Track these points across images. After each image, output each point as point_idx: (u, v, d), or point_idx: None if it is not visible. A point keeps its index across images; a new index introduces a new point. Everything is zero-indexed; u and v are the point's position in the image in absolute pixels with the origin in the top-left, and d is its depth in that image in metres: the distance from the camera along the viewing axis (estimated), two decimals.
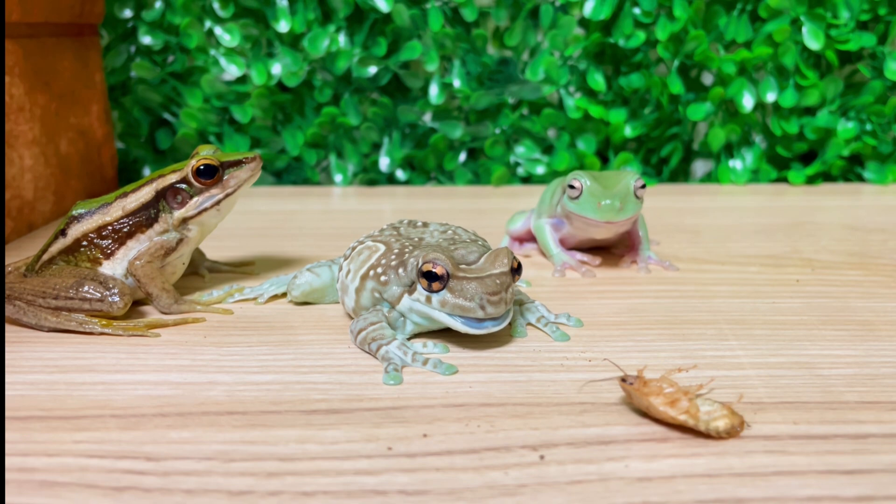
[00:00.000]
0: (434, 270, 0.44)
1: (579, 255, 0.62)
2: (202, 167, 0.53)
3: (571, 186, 0.58)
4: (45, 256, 0.53)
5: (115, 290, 0.50)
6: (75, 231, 0.53)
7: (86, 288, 0.50)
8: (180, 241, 0.54)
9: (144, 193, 0.53)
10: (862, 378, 0.42)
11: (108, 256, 0.53)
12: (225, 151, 0.56)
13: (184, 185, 0.53)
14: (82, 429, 0.38)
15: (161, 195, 0.53)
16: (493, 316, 0.44)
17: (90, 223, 0.53)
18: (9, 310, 0.50)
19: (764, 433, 0.36)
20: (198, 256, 0.61)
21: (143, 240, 0.53)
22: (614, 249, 0.65)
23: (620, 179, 0.58)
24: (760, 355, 0.45)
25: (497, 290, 0.44)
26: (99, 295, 0.50)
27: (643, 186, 0.58)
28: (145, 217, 0.53)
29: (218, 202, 0.54)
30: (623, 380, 0.38)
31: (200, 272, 0.61)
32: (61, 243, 0.53)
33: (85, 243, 0.52)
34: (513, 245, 0.67)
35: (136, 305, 0.54)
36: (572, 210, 0.58)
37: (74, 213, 0.53)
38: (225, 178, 0.54)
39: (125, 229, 0.53)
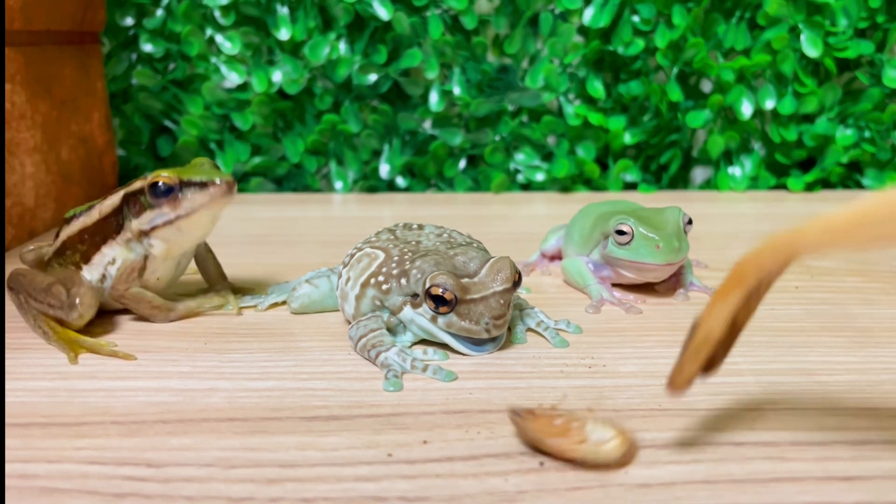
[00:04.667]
0: (443, 296, 0.44)
1: (619, 294, 0.56)
2: (157, 183, 0.49)
3: (621, 232, 0.54)
4: (48, 258, 0.53)
5: (77, 301, 0.49)
6: (64, 235, 0.53)
7: (53, 291, 0.50)
8: (146, 257, 0.51)
9: (116, 198, 0.51)
10: (861, 385, 0.42)
11: (86, 261, 0.52)
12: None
13: (143, 196, 0.50)
14: (83, 435, 0.38)
15: (126, 202, 0.51)
16: (495, 336, 0.45)
17: (75, 227, 0.52)
18: (14, 300, 0.51)
19: (763, 440, 0.37)
20: (214, 272, 0.58)
21: (115, 246, 0.51)
22: (656, 286, 0.58)
23: (666, 217, 0.55)
24: (759, 362, 0.45)
25: (502, 312, 0.45)
26: (59, 302, 0.49)
27: (690, 222, 0.55)
28: (115, 222, 0.51)
29: (170, 222, 0.50)
30: (515, 413, 0.36)
31: (217, 289, 0.57)
32: (54, 246, 0.53)
33: (70, 247, 0.52)
34: (542, 261, 0.65)
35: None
36: (623, 257, 0.54)
37: (67, 216, 0.53)
38: (180, 197, 0.49)
39: (99, 234, 0.52)
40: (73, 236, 0.52)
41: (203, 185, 0.49)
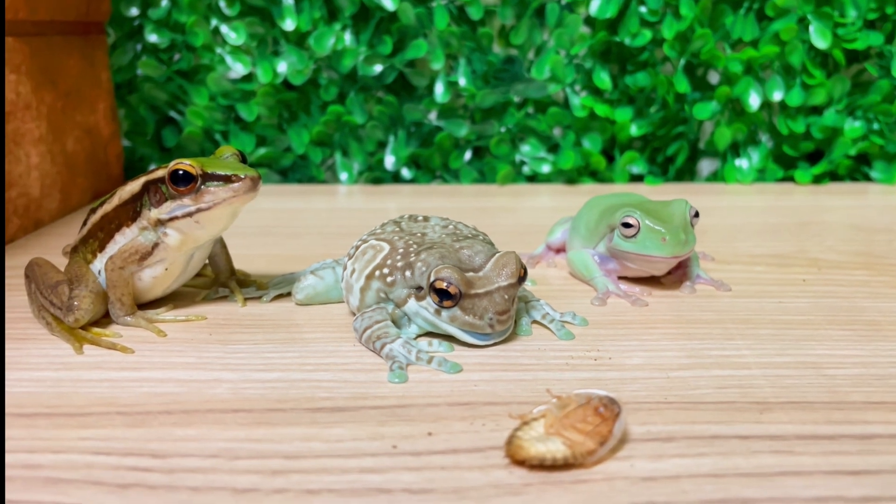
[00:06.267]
0: (447, 289, 0.44)
1: (625, 287, 0.56)
2: (178, 171, 0.47)
3: (627, 225, 0.53)
4: (74, 243, 0.53)
5: (75, 304, 0.48)
6: (90, 223, 0.52)
7: (58, 290, 0.50)
8: (156, 245, 0.49)
9: (136, 184, 0.50)
10: (868, 378, 0.42)
11: (101, 249, 0.51)
12: (244, 154, 0.50)
13: (164, 185, 0.49)
14: (88, 426, 0.38)
15: (146, 188, 0.49)
16: (500, 331, 0.45)
17: (99, 214, 0.52)
18: (27, 288, 0.51)
19: (770, 433, 0.36)
20: (223, 266, 0.57)
21: (128, 234, 0.50)
22: (661, 278, 0.58)
23: (673, 210, 0.55)
24: (766, 355, 0.45)
25: (506, 308, 0.45)
26: (59, 302, 0.49)
27: (697, 215, 0.55)
28: (132, 209, 0.50)
29: (189, 214, 0.48)
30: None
31: (230, 285, 0.56)
32: (81, 234, 0.53)
33: (92, 235, 0.52)
34: (548, 253, 0.65)
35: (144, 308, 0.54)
36: (629, 250, 0.54)
37: (93, 205, 0.53)
38: (201, 189, 0.48)
39: (115, 221, 0.51)
40: (96, 224, 0.52)
41: (227, 179, 0.47)
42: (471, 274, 0.45)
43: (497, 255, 0.46)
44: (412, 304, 0.46)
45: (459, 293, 0.44)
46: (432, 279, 0.44)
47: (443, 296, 0.44)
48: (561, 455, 0.33)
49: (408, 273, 0.46)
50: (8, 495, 0.33)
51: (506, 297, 0.45)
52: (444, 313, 0.45)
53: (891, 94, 0.90)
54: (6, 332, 0.50)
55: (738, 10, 0.90)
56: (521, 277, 0.46)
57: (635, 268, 0.56)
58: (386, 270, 0.47)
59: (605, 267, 0.57)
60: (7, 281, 0.59)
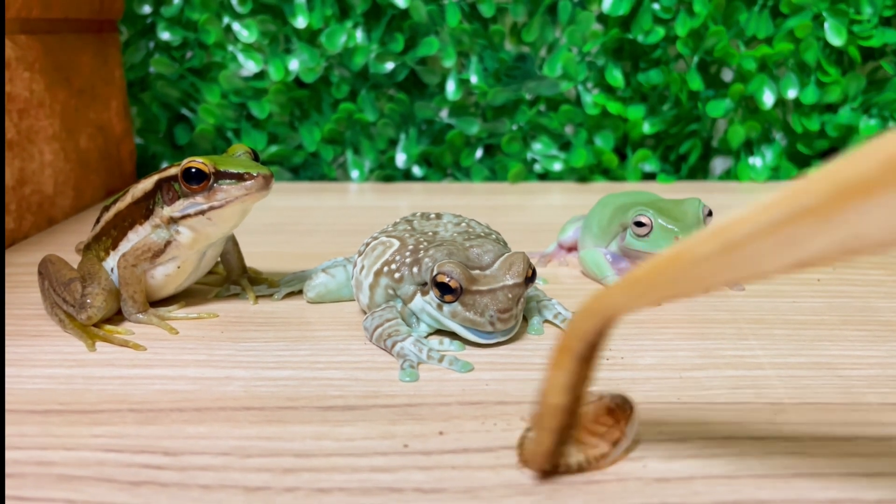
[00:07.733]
0: (448, 283, 0.44)
1: None
2: (191, 170, 0.47)
3: (639, 224, 0.53)
4: (87, 240, 0.53)
5: (88, 302, 0.49)
6: (103, 220, 0.53)
7: (70, 288, 0.50)
8: (168, 242, 0.50)
9: (149, 182, 0.50)
10: (884, 379, 0.41)
11: (114, 247, 0.52)
12: (256, 152, 0.51)
13: (176, 183, 0.49)
14: (100, 423, 0.38)
15: (159, 186, 0.50)
16: (501, 330, 0.45)
17: (112, 211, 0.52)
18: (39, 284, 0.52)
19: (784, 434, 0.36)
20: (235, 264, 0.57)
21: (141, 232, 0.50)
22: None
23: (686, 209, 0.54)
24: (780, 355, 0.44)
25: (508, 306, 0.44)
26: (72, 300, 0.49)
27: (710, 214, 0.55)
28: (145, 207, 0.50)
29: (202, 212, 0.48)
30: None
31: (241, 283, 0.57)
32: (94, 231, 0.53)
33: (105, 233, 0.52)
34: (559, 252, 0.64)
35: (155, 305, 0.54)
36: (642, 249, 0.54)
37: (107, 203, 0.53)
38: (214, 187, 0.48)
39: (128, 219, 0.51)
40: (109, 221, 0.52)
41: (239, 178, 0.47)
42: (476, 271, 0.45)
43: (506, 254, 0.46)
44: (418, 301, 0.46)
45: (460, 288, 0.44)
46: (434, 273, 0.44)
47: (443, 290, 0.44)
48: (574, 461, 0.33)
49: (415, 269, 0.46)
50: (20, 492, 0.33)
51: (510, 296, 0.44)
52: (446, 308, 0.45)
53: None
54: (19, 328, 0.50)
55: (753, 6, 0.89)
56: (529, 278, 0.46)
57: None
58: (394, 266, 0.47)
59: (617, 266, 0.57)
60: (20, 278, 0.60)
